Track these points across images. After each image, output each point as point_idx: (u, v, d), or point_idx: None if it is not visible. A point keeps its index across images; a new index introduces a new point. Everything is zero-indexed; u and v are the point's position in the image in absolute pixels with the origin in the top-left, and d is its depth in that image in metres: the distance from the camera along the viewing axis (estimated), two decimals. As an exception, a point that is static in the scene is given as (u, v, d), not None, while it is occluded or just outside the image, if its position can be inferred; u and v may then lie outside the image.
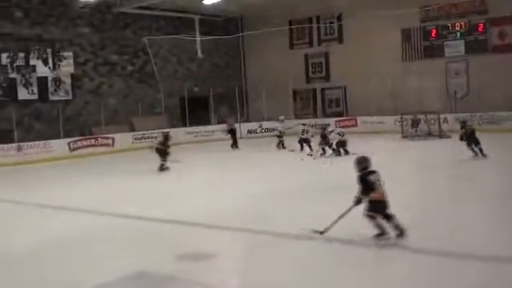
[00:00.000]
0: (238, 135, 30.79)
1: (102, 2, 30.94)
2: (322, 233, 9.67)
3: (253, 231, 10.31)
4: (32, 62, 29.46)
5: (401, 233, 9.19)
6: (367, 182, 9.49)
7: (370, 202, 9.41)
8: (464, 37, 32.64)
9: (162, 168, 20.67)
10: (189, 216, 11.87)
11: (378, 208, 9.36)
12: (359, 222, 9.46)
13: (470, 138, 19.14)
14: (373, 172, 9.67)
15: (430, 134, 27.66)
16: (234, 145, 28.91)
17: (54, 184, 18.98)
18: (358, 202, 9.51)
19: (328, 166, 18.67)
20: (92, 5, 30.60)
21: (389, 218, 9.28)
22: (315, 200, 13.12)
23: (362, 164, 9.78)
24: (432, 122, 28.27)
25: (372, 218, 9.41)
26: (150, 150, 21.73)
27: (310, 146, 23.41)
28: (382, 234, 9.38)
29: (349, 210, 9.54)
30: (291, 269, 8.17)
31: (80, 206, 13.96)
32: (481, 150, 18.75)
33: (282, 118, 27.96)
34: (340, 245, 9.11)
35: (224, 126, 30.74)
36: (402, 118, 28.96)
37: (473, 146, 18.85)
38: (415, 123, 28.07)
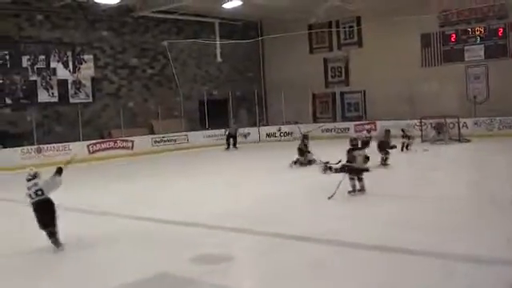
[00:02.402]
0: (256, 139, 31.09)
1: (123, 6, 31.08)
2: (329, 198, 13.15)
3: (268, 233, 10.32)
4: (52, 65, 29.64)
5: (362, 190, 13.71)
6: (351, 154, 13.85)
7: (351, 168, 13.75)
8: (483, 41, 32.48)
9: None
10: (205, 219, 11.88)
11: (354, 172, 13.73)
12: (370, 226, 10.11)
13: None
14: (358, 148, 14.19)
15: (449, 139, 27.44)
16: (233, 145, 30.49)
17: (71, 186, 18.98)
18: (345, 167, 14.04)
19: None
20: (112, 8, 30.69)
21: (360, 179, 13.74)
22: (323, 203, 13.19)
23: (352, 142, 14.45)
24: (451, 126, 28.07)
25: (351, 179, 13.71)
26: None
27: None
28: (353, 191, 13.70)
29: (344, 176, 13.75)
30: (306, 271, 8.15)
31: (97, 208, 14.01)
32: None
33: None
34: (351, 249, 9.08)
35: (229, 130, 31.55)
36: (421, 122, 28.80)
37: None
38: (439, 128, 27.64)
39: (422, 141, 27.05)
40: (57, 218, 10.15)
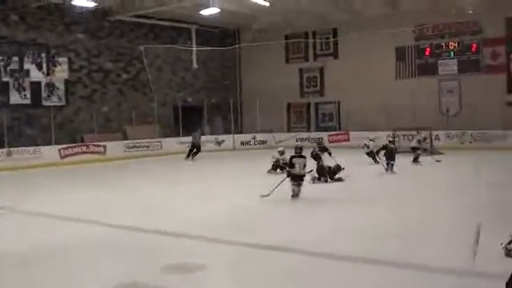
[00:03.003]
0: (230, 146, 30.85)
1: (99, 9, 30.86)
2: (267, 195, 14.66)
3: (242, 243, 10.21)
4: (26, 67, 29.22)
5: (297, 196, 14.89)
6: (291, 162, 15.25)
7: (293, 175, 15.03)
8: (457, 56, 33.02)
9: None
10: (177, 227, 11.74)
11: (295, 179, 14.97)
12: (343, 237, 10.07)
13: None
14: (299, 157, 15.33)
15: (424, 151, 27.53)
16: (190, 156, 29.23)
17: (41, 191, 18.81)
18: (287, 173, 15.44)
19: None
20: (89, 11, 30.43)
21: (300, 185, 15.01)
22: (300, 212, 13.37)
23: (296, 150, 15.76)
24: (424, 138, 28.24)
25: (293, 184, 14.96)
26: None
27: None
28: (294, 195, 14.89)
29: (284, 179, 15.27)
30: (281, 281, 8.08)
31: (67, 214, 13.70)
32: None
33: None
34: (324, 259, 9.03)
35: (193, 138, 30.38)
36: (394, 133, 28.90)
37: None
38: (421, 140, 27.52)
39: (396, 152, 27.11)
40: None
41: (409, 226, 11.32)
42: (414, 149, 24.07)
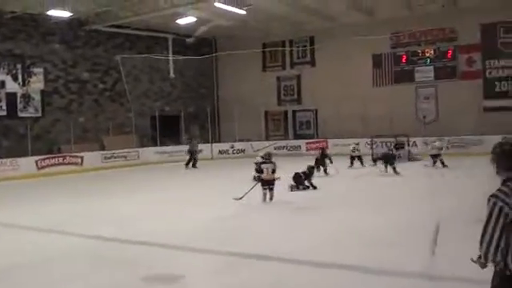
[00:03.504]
0: (208, 155, 30.75)
1: (75, 20, 30.64)
2: (240, 198, 15.55)
3: (220, 252, 10.15)
4: (1, 78, 29.00)
5: (270, 199, 15.76)
6: (260, 167, 16.35)
7: (262, 179, 15.94)
8: (433, 63, 33.32)
9: None
10: (156, 237, 11.64)
11: (264, 184, 15.79)
12: (327, 246, 10.04)
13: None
14: (267, 162, 16.20)
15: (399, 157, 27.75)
16: (189, 164, 29.03)
17: (17, 202, 18.59)
18: (255, 177, 17.14)
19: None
20: (64, 22, 30.18)
21: (271, 189, 15.80)
22: (275, 221, 13.27)
23: (264, 157, 16.78)
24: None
25: (264, 189, 15.75)
26: None
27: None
28: (264, 200, 15.72)
29: (256, 184, 16.23)
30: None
31: (44, 225, 13.56)
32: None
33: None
34: (309, 267, 9.00)
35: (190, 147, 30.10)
36: (372, 140, 29.04)
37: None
38: (398, 146, 27.77)
39: (373, 159, 27.25)
40: None
41: (390, 232, 11.35)
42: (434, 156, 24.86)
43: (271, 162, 16.17)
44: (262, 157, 21.40)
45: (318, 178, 19.86)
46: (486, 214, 4.02)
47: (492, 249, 3.98)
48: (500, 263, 4.03)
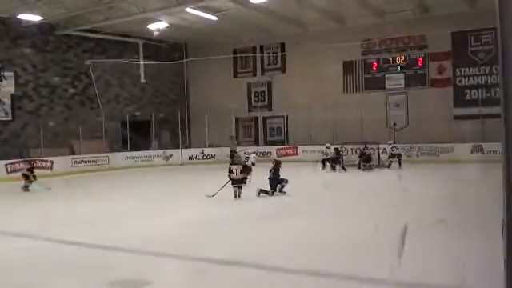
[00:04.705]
0: (178, 161, 30.68)
1: (46, 24, 30.53)
2: (213, 196, 17.54)
3: (192, 258, 10.19)
4: (-29, 81, 28.81)
5: (239, 197, 17.72)
6: (230, 168, 18.26)
7: (232, 179, 17.99)
8: (404, 70, 33.68)
9: None
10: (123, 242, 11.63)
11: (234, 182, 17.90)
12: (293, 250, 10.22)
13: None
14: (235, 164, 18.87)
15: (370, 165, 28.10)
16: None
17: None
18: (229, 177, 18.16)
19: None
20: (35, 25, 30.04)
21: (240, 187, 17.91)
22: (244, 227, 13.34)
23: (233, 159, 19.92)
24: (372, 151, 28.66)
25: (234, 187, 17.84)
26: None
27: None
28: (235, 197, 17.68)
29: (226, 183, 18.06)
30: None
31: (12, 229, 13.49)
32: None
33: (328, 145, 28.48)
34: (275, 272, 9.10)
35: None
36: (342, 147, 29.22)
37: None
38: (364, 155, 28.09)
39: (343, 165, 27.53)
40: None
41: (352, 237, 11.51)
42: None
43: (239, 164, 19.11)
44: (327, 147, 27.43)
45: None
46: None
47: None
48: None
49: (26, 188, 22.74)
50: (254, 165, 23.40)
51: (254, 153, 27.20)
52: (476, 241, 9.92)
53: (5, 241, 12.44)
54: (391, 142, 28.80)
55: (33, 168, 24.14)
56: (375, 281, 8.26)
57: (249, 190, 18.68)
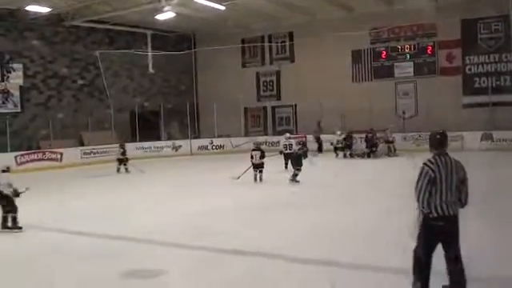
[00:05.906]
0: (188, 151, 30.74)
1: (54, 15, 30.50)
2: (238, 178, 18.95)
3: (203, 248, 10.22)
4: (-21, 73, 28.83)
5: (260, 180, 19.25)
6: (251, 154, 19.63)
7: (253, 164, 19.47)
8: (413, 58, 33.49)
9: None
10: (136, 232, 11.67)
11: (255, 167, 19.43)
12: (303, 241, 10.34)
13: None
14: (256, 150, 19.74)
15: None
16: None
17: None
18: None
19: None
20: (43, 17, 30.02)
21: (261, 172, 19.44)
22: (258, 217, 13.31)
23: (255, 145, 20.23)
24: (381, 140, 28.67)
25: (255, 171, 19.18)
26: None
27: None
28: (255, 180, 19.27)
29: (249, 167, 19.50)
30: (241, 284, 8.14)
31: (24, 221, 13.54)
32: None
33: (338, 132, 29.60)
34: (284, 262, 9.09)
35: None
36: (351, 135, 29.15)
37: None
38: (371, 142, 28.21)
39: (351, 154, 27.59)
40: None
41: (366, 226, 11.49)
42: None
43: (260, 150, 19.95)
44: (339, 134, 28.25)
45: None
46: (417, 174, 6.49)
47: (421, 198, 6.43)
48: (425, 209, 6.42)
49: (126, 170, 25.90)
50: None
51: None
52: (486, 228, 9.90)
53: (19, 234, 12.46)
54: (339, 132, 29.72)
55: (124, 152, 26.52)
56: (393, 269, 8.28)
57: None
